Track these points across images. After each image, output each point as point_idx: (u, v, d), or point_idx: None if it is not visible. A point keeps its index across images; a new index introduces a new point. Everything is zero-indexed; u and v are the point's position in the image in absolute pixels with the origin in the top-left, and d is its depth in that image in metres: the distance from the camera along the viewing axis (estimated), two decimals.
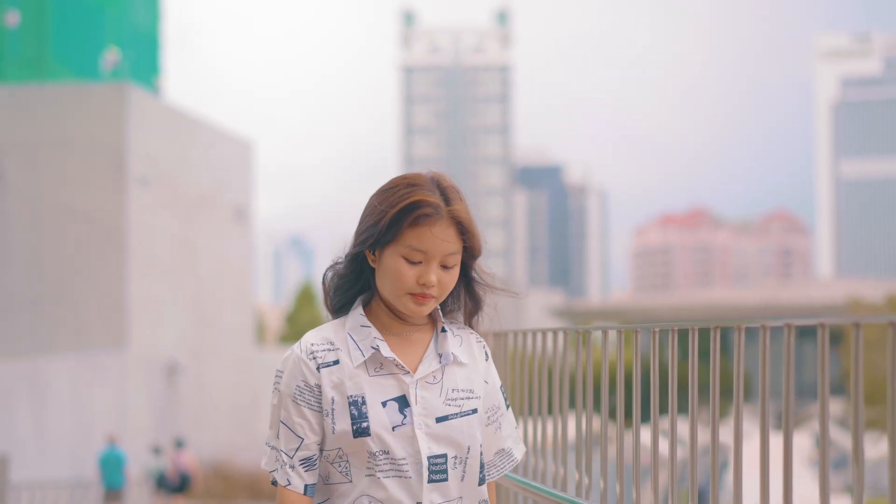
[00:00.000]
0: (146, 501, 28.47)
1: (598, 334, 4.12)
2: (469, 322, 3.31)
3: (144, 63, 43.64)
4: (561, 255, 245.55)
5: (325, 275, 3.30)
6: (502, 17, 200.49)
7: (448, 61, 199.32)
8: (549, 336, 4.35)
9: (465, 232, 3.14)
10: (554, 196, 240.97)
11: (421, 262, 3.10)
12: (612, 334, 3.95)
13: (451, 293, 3.28)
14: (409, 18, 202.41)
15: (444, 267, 3.13)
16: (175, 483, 27.14)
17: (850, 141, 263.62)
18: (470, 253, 3.19)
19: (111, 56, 41.38)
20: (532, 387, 4.51)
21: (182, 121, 40.15)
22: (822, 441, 2.74)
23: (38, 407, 29.63)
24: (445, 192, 3.15)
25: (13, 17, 40.10)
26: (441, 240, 3.09)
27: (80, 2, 41.47)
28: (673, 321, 3.47)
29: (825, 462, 2.73)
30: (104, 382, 33.26)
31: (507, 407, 3.37)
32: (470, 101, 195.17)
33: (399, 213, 3.10)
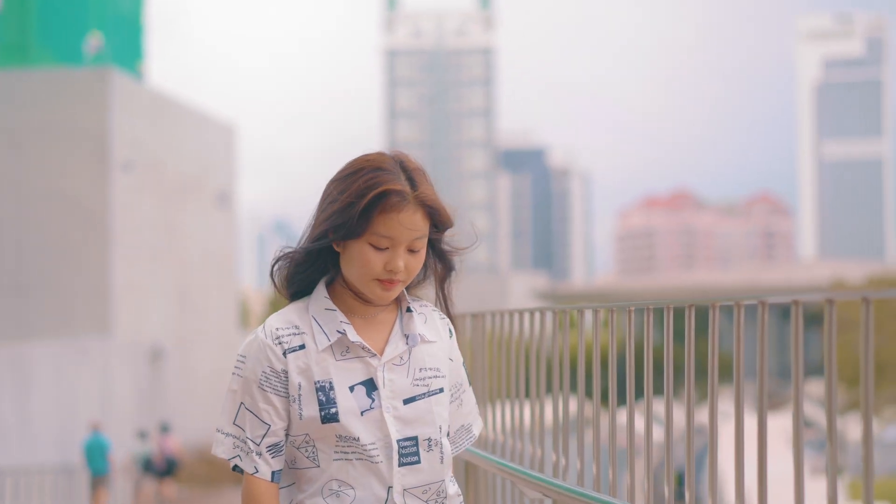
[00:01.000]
0: (132, 486, 28.48)
1: (577, 314, 4.11)
2: (441, 287, 3.25)
3: (128, 47, 43.46)
4: (545, 238, 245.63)
5: (273, 266, 3.21)
6: (485, 0, 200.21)
7: (431, 45, 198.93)
8: (527, 317, 4.34)
9: (433, 214, 3.09)
10: (537, 179, 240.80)
11: (388, 248, 3.05)
12: (591, 314, 3.95)
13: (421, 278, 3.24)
14: (391, 2, 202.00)
15: (411, 251, 3.08)
16: (161, 467, 27.17)
17: (833, 122, 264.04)
18: (440, 229, 3.14)
19: (94, 41, 41.21)
20: (510, 368, 4.51)
21: (165, 105, 40.04)
22: (795, 418, 2.75)
23: (22, 393, 29.60)
24: (411, 175, 3.09)
25: None
26: (408, 226, 3.05)
27: None
28: (652, 300, 3.47)
29: (798, 440, 2.74)
30: (88, 368, 33.21)
31: (469, 384, 3.34)
32: (453, 85, 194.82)
33: (367, 205, 3.03)
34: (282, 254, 3.21)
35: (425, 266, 3.23)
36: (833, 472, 2.62)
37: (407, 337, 3.15)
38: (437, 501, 3.14)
